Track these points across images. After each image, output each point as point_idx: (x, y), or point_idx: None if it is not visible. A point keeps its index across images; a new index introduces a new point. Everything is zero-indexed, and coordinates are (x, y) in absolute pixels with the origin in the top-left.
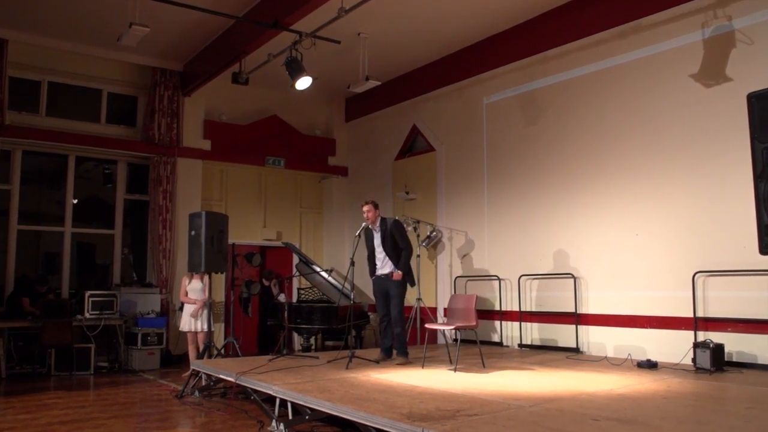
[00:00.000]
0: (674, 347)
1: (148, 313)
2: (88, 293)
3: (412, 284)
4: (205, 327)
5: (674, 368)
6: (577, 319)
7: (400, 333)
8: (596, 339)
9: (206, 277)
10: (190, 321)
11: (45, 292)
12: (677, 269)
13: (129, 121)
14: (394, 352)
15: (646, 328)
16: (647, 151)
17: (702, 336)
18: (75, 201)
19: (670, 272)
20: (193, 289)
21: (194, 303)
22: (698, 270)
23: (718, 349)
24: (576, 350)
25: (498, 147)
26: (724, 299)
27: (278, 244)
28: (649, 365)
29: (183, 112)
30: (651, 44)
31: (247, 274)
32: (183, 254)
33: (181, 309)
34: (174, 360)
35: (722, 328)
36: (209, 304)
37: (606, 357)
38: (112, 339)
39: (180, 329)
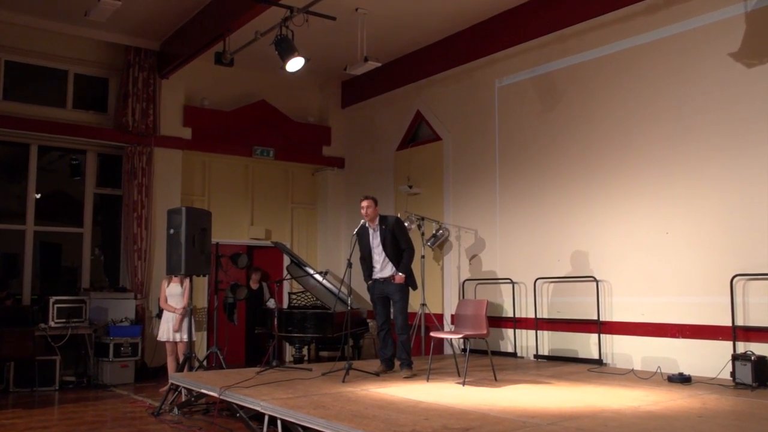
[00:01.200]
0: (710, 359)
1: (122, 321)
2: (53, 299)
3: (414, 287)
4: (185, 337)
5: (710, 383)
6: (599, 327)
7: (406, 341)
8: (621, 350)
9: (186, 281)
10: (169, 330)
11: (4, 297)
12: (713, 272)
13: (99, 107)
14: (396, 363)
15: (678, 337)
16: (680, 140)
17: (742, 347)
18: (38, 196)
19: (706, 275)
20: (172, 294)
21: (173, 311)
22: (737, 273)
23: (761, 361)
24: (599, 362)
25: (511, 135)
26: (766, 306)
27: (267, 243)
28: (682, 379)
29: (160, 97)
30: (684, 19)
31: (233, 277)
32: (161, 255)
33: (158, 316)
34: (150, 373)
35: (765, 339)
36: (190, 311)
37: (632, 370)
38: (81, 350)
39: (158, 339)
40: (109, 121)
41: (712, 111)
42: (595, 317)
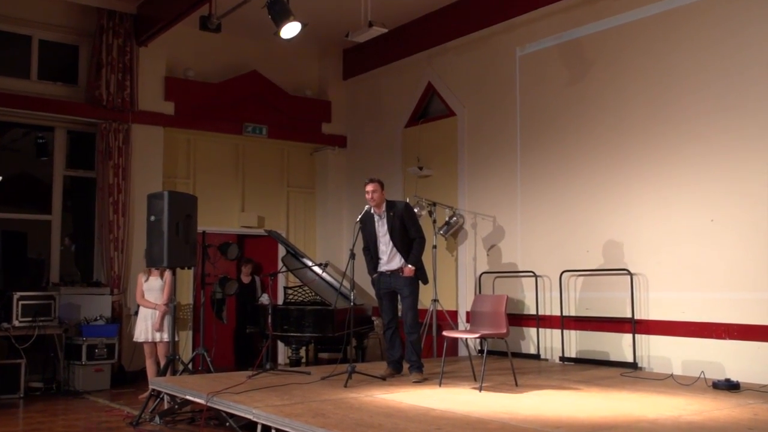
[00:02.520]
0: (762, 364)
1: (96, 320)
2: (17, 295)
3: (425, 281)
4: (166, 336)
5: (762, 390)
6: (634, 326)
7: (415, 341)
8: (659, 352)
9: (168, 274)
10: (147, 329)
11: None
12: (766, 264)
13: (68, 78)
14: (405, 365)
15: (725, 338)
16: (728, 115)
17: None
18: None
19: (757, 268)
20: (151, 288)
21: (153, 307)
22: None
23: None
24: (633, 366)
25: (534, 110)
26: None
27: (260, 232)
28: (729, 386)
29: (138, 67)
30: None
31: (222, 270)
32: (140, 245)
33: (136, 314)
34: (129, 378)
35: None
36: (173, 308)
37: (672, 375)
38: (49, 353)
39: (134, 339)
40: (79, 94)
41: (766, 81)
42: (629, 315)
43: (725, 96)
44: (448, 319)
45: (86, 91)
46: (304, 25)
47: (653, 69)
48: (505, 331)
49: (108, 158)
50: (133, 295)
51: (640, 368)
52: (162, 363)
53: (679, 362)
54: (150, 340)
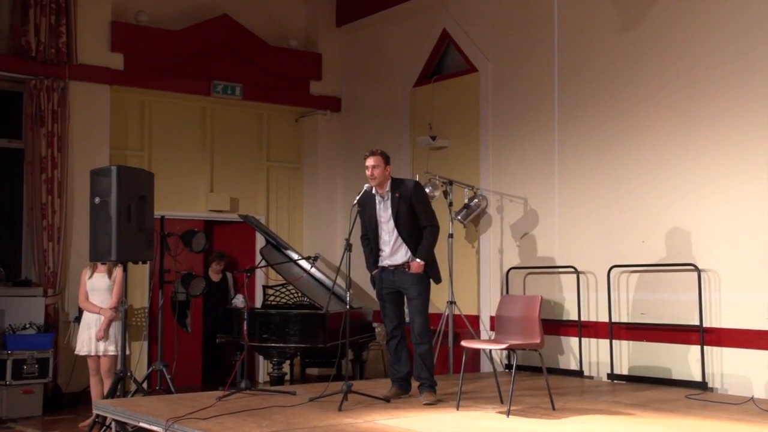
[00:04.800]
0: None
1: (25, 328)
2: None
3: (438, 280)
4: (112, 348)
5: None
6: (702, 336)
7: (426, 353)
8: (735, 369)
9: (118, 271)
10: (91, 339)
11: None
12: None
13: None
14: (414, 384)
15: None
16: None
17: None
18: None
19: None
20: (95, 288)
21: (97, 312)
22: None
23: None
24: (702, 386)
25: (577, 64)
26: None
27: (234, 217)
28: None
29: (77, 8)
30: None
31: (185, 265)
32: (81, 234)
33: (78, 320)
34: (66, 401)
35: None
36: (125, 312)
37: (752, 398)
38: None
39: (75, 352)
40: (2, 43)
41: None
42: (697, 322)
43: None
44: (468, 325)
45: (9, 38)
46: None
47: (734, 10)
48: (539, 341)
49: (39, 124)
50: (73, 297)
51: (711, 389)
52: (107, 382)
53: (761, 382)
54: (94, 353)
